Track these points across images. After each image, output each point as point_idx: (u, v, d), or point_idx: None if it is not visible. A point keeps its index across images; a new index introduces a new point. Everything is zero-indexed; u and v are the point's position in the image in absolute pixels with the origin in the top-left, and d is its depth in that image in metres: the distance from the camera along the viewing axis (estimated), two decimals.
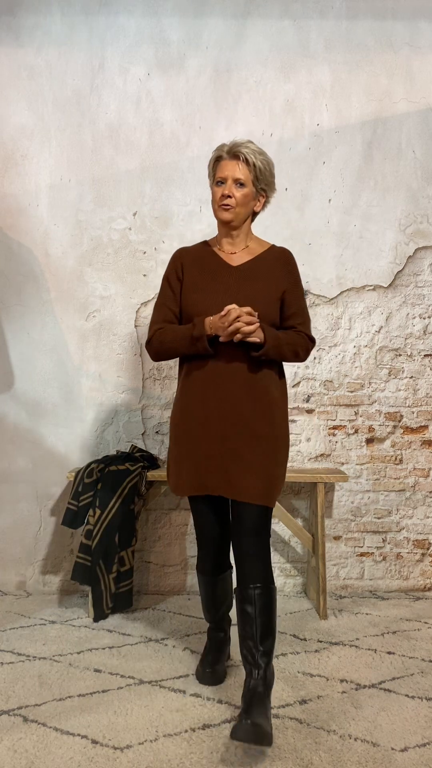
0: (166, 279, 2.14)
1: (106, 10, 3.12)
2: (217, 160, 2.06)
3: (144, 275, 3.15)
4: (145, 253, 3.16)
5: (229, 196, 2.01)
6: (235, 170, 2.00)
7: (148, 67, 3.13)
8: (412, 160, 3.16)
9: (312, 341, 2.13)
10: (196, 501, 2.10)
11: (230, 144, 2.03)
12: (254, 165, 2.01)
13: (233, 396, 1.99)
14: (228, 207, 2.02)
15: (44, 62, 3.12)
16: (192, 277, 2.09)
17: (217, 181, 2.05)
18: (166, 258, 3.14)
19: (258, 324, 1.93)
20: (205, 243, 2.19)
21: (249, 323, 1.91)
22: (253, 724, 1.74)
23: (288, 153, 3.14)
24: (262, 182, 2.05)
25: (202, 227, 3.13)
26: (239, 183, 2.01)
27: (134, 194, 3.15)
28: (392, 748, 1.81)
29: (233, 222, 2.06)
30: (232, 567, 2.20)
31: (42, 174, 3.14)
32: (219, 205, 2.04)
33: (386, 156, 3.16)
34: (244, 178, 2.01)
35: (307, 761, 1.75)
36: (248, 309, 1.92)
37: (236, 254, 2.11)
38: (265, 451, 2.00)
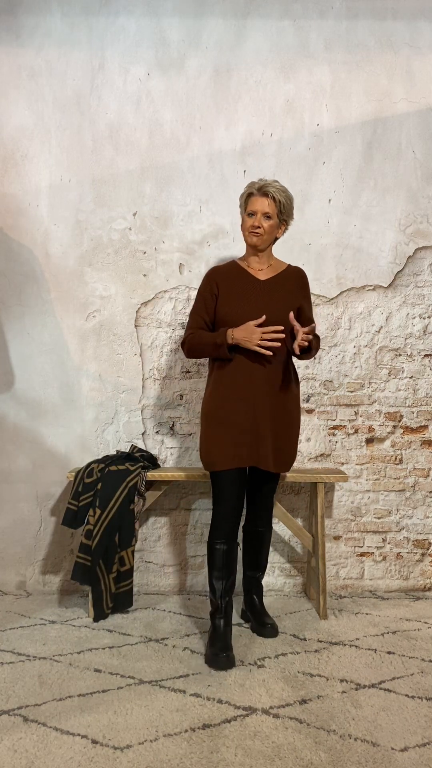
0: (201, 294, 2.59)
1: (106, 10, 3.12)
2: (249, 196, 2.52)
3: (144, 275, 3.16)
4: (145, 253, 3.16)
5: (259, 227, 2.49)
6: (264, 206, 2.48)
7: (148, 67, 3.13)
8: (412, 160, 3.16)
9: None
10: (223, 474, 2.47)
11: (260, 183, 2.50)
12: (279, 201, 2.48)
13: (259, 389, 2.46)
14: (258, 234, 2.50)
15: (44, 62, 3.13)
16: (226, 291, 2.54)
17: (248, 212, 2.52)
18: (166, 258, 3.15)
19: (282, 337, 2.41)
20: (234, 262, 2.64)
21: (276, 339, 2.40)
22: (272, 625, 2.61)
23: (288, 153, 3.15)
24: (285, 214, 2.53)
25: (202, 227, 3.14)
26: (267, 216, 2.49)
27: (134, 194, 3.15)
28: (392, 748, 1.81)
29: (260, 246, 2.54)
30: (239, 544, 2.54)
31: (42, 174, 3.14)
32: (249, 231, 2.51)
33: (386, 156, 3.16)
34: (271, 211, 2.49)
35: (307, 761, 1.75)
36: (280, 328, 2.41)
37: (262, 271, 2.58)
38: (285, 432, 2.52)
